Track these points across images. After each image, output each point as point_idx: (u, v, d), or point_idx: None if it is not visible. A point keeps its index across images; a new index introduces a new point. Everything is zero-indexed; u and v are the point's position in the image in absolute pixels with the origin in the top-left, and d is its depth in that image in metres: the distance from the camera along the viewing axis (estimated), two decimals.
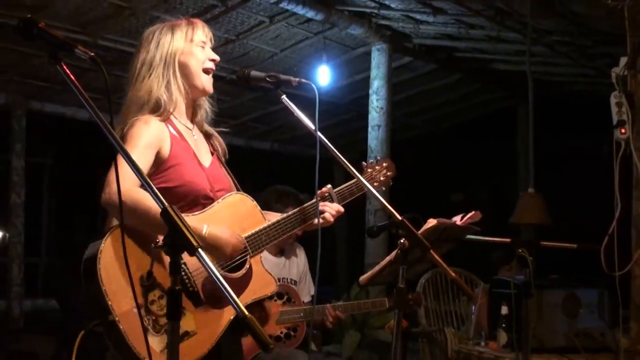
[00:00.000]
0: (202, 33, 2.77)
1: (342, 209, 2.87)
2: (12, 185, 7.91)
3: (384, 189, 3.08)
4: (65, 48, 1.92)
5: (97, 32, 6.57)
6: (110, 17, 6.34)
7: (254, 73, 2.84)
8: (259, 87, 2.92)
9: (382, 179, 3.07)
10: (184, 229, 1.80)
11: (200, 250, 1.79)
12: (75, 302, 6.91)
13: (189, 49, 2.72)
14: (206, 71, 2.75)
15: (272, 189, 4.30)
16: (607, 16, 4.96)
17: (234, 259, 2.64)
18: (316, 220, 2.79)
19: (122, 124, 2.62)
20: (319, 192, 2.85)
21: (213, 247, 2.50)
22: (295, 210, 2.80)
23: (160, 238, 2.35)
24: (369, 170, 3.06)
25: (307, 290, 4.51)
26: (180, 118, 2.75)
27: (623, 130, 4.38)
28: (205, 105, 2.86)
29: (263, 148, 10.91)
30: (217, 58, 2.80)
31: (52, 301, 8.16)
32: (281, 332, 4.21)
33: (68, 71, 1.92)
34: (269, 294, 2.76)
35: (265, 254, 4.25)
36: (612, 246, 4.24)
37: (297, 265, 4.48)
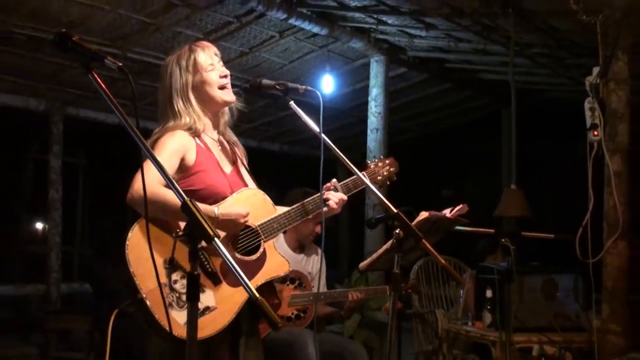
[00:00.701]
0: (204, 56, 2.73)
1: (345, 197, 2.86)
2: (51, 183, 7.93)
3: (388, 182, 3.05)
4: (96, 59, 1.92)
5: (126, 46, 6.57)
6: (138, 32, 6.35)
7: (265, 82, 2.83)
8: (269, 95, 2.91)
9: (385, 173, 3.04)
10: (201, 220, 1.81)
11: (216, 239, 1.80)
12: (107, 286, 6.93)
13: (198, 78, 2.71)
14: (222, 87, 2.74)
15: (300, 190, 4.30)
16: (582, 31, 4.95)
17: (251, 241, 2.66)
18: (324, 208, 2.79)
19: (153, 135, 2.66)
20: (326, 185, 2.85)
21: (227, 222, 2.54)
22: (303, 201, 2.80)
23: (182, 226, 2.40)
24: (372, 166, 3.05)
25: (319, 288, 4.50)
26: (208, 132, 2.76)
27: (596, 133, 4.38)
28: (227, 114, 2.86)
29: (273, 149, 10.91)
30: (227, 72, 2.78)
31: (86, 285, 8.19)
32: (292, 313, 4.21)
33: (99, 79, 1.93)
34: (283, 275, 2.76)
35: (285, 249, 4.28)
36: (586, 236, 4.24)
37: (314, 264, 4.47)
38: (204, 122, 2.72)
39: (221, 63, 2.80)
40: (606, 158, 4.34)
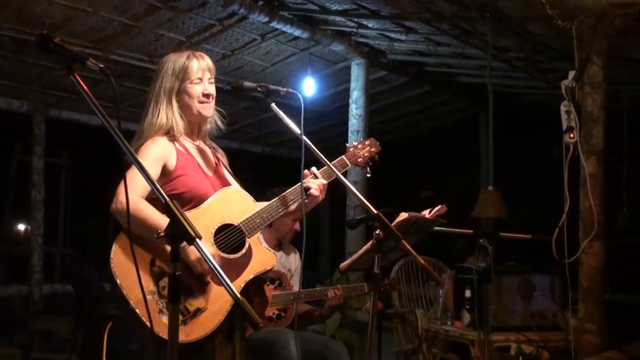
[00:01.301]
0: (197, 68, 2.70)
1: (325, 182, 2.79)
2: (33, 184, 7.86)
3: (370, 163, 3.01)
4: (78, 60, 1.90)
5: (109, 48, 6.53)
6: (120, 34, 6.31)
7: (246, 84, 2.82)
8: (251, 97, 2.89)
9: (366, 154, 3.00)
10: (183, 221, 1.80)
11: (197, 240, 1.79)
12: (89, 288, 6.87)
13: (183, 87, 2.69)
14: (201, 102, 2.71)
15: (278, 189, 4.28)
16: (558, 35, 4.98)
17: (235, 239, 2.63)
18: (306, 200, 2.74)
19: (137, 142, 2.65)
20: (305, 171, 2.79)
21: (189, 262, 2.48)
22: (282, 194, 2.76)
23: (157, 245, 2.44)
24: (352, 149, 3.00)
25: (296, 287, 4.48)
26: (187, 136, 2.75)
27: (571, 135, 4.41)
28: (213, 122, 2.83)
29: (255, 151, 10.89)
30: (211, 93, 2.74)
31: (68, 286, 8.12)
32: (273, 313, 4.20)
33: (81, 81, 1.90)
34: (270, 267, 2.73)
35: (265, 246, 4.25)
36: (562, 237, 4.27)
37: (292, 262, 4.46)
38: (182, 127, 2.71)
39: (212, 81, 2.77)
40: (582, 160, 4.38)
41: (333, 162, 2.83)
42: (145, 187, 2.49)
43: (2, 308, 9.05)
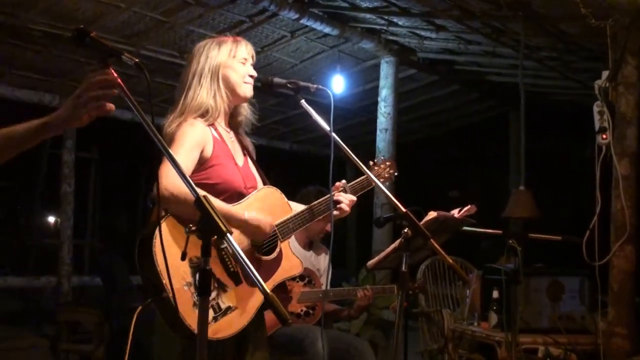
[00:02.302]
0: (244, 50, 2.77)
1: (354, 199, 2.87)
2: (64, 177, 7.94)
3: (387, 184, 3.08)
4: (113, 55, 1.90)
5: (140, 44, 6.58)
6: (152, 30, 6.35)
7: (276, 80, 2.83)
8: (280, 93, 2.90)
9: (386, 175, 3.08)
10: (215, 216, 1.80)
11: (229, 235, 1.80)
12: (117, 280, 6.94)
13: (231, 63, 2.73)
14: (246, 82, 2.76)
15: (313, 188, 4.30)
16: (591, 35, 4.91)
17: (268, 241, 2.67)
18: (335, 212, 2.79)
19: (171, 124, 2.64)
20: (335, 185, 2.85)
21: (254, 228, 2.55)
22: (315, 202, 2.79)
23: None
24: (376, 167, 3.06)
25: (324, 286, 4.49)
26: (221, 122, 2.76)
27: (604, 136, 4.35)
28: (246, 112, 2.86)
29: (283, 148, 10.90)
30: (255, 74, 2.79)
31: (97, 278, 8.21)
32: (301, 310, 4.21)
33: (116, 75, 1.91)
34: (297, 274, 2.78)
35: (296, 246, 4.27)
36: (593, 239, 4.21)
37: (322, 261, 4.46)
38: (221, 108, 2.71)
39: (252, 66, 2.82)
40: (614, 161, 4.31)
41: (362, 178, 2.88)
42: (187, 170, 2.49)
43: (31, 299, 9.19)
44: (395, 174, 3.12)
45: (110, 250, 10.71)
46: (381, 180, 3.02)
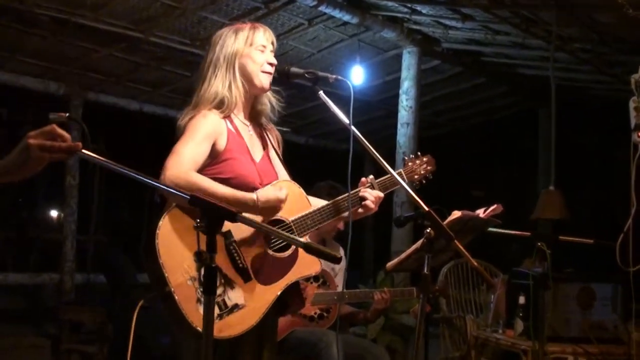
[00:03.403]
0: (262, 37, 2.76)
1: (382, 195, 2.82)
2: (68, 169, 7.99)
3: (424, 182, 3.04)
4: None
5: (150, 30, 6.58)
6: (162, 16, 6.35)
7: (293, 69, 2.82)
8: (297, 84, 2.89)
9: (422, 172, 3.03)
10: (216, 203, 1.82)
11: (239, 214, 1.83)
12: (122, 277, 6.96)
13: (248, 51, 2.73)
14: (263, 71, 2.75)
15: (325, 184, 4.29)
16: (628, 25, 4.86)
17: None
18: (360, 209, 2.78)
19: (184, 117, 2.65)
20: (361, 180, 2.83)
21: (267, 208, 2.56)
22: (337, 198, 2.77)
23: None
24: (410, 163, 3.03)
25: (340, 288, 4.48)
26: (239, 115, 2.76)
27: None
28: (267, 101, 2.87)
29: (298, 142, 10.89)
30: (275, 62, 2.78)
31: (101, 276, 8.24)
32: (315, 313, 4.20)
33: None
34: (314, 274, 2.77)
35: None
36: (627, 243, 4.16)
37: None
38: (238, 99, 2.71)
39: (273, 54, 2.81)
40: None
41: (388, 176, 2.83)
42: (195, 162, 2.51)
43: (32, 296, 9.24)
44: (433, 170, 3.08)
45: (115, 246, 10.75)
46: (415, 177, 3.00)
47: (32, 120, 9.43)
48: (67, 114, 1.90)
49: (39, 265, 9.89)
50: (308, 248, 1.87)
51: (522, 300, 4.25)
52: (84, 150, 1.79)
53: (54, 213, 12.59)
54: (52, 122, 1.83)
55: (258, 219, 2.56)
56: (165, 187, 1.99)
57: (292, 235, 1.82)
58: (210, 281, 1.88)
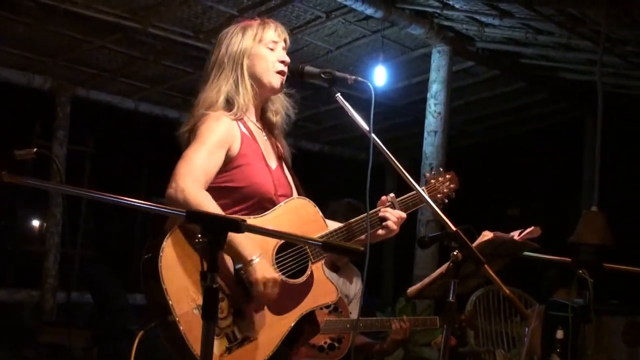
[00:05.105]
0: (273, 33, 2.78)
1: (404, 215, 2.85)
2: (53, 174, 8.01)
3: (446, 201, 3.07)
4: None
5: (148, 20, 6.62)
6: (162, 4, 6.39)
7: (308, 68, 2.83)
8: (312, 84, 2.90)
9: (445, 190, 3.07)
10: (218, 215, 1.82)
11: (244, 223, 1.85)
12: (110, 297, 6.99)
13: (257, 49, 2.74)
14: (277, 72, 2.76)
15: (345, 202, 4.30)
16: None
17: (297, 262, 2.66)
18: (380, 231, 2.80)
19: (193, 119, 2.66)
20: (381, 199, 2.84)
21: (257, 277, 2.44)
22: (357, 218, 2.78)
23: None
24: (432, 181, 3.06)
25: (354, 315, 4.48)
26: (251, 117, 2.78)
27: None
28: (281, 108, 2.88)
29: (312, 149, 10.91)
30: (287, 60, 2.80)
31: (87, 295, 8.26)
32: (325, 342, 4.20)
33: None
34: (331, 302, 2.78)
35: (328, 276, 4.26)
36: None
37: (350, 287, 4.45)
38: (247, 101, 2.72)
39: (285, 51, 2.82)
40: None
41: (411, 194, 2.85)
42: (208, 173, 2.52)
43: (9, 316, 9.27)
44: (456, 189, 3.10)
45: (103, 262, 10.79)
46: (438, 195, 3.02)
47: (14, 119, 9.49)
48: (35, 149, 1.91)
49: (17, 281, 9.93)
50: (326, 246, 1.89)
51: (559, 334, 4.23)
52: (57, 186, 1.80)
53: (35, 223, 12.64)
54: (18, 158, 1.85)
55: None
56: (156, 207, 1.97)
57: (307, 237, 1.83)
58: (209, 304, 1.88)
